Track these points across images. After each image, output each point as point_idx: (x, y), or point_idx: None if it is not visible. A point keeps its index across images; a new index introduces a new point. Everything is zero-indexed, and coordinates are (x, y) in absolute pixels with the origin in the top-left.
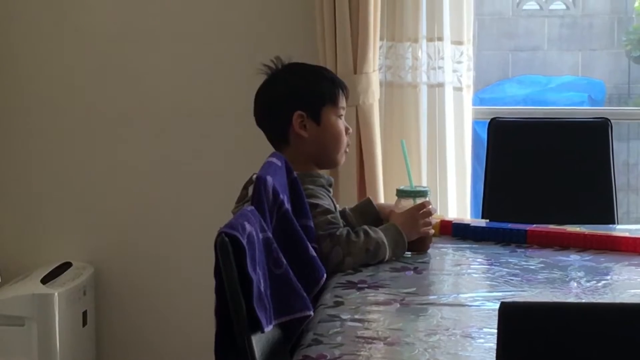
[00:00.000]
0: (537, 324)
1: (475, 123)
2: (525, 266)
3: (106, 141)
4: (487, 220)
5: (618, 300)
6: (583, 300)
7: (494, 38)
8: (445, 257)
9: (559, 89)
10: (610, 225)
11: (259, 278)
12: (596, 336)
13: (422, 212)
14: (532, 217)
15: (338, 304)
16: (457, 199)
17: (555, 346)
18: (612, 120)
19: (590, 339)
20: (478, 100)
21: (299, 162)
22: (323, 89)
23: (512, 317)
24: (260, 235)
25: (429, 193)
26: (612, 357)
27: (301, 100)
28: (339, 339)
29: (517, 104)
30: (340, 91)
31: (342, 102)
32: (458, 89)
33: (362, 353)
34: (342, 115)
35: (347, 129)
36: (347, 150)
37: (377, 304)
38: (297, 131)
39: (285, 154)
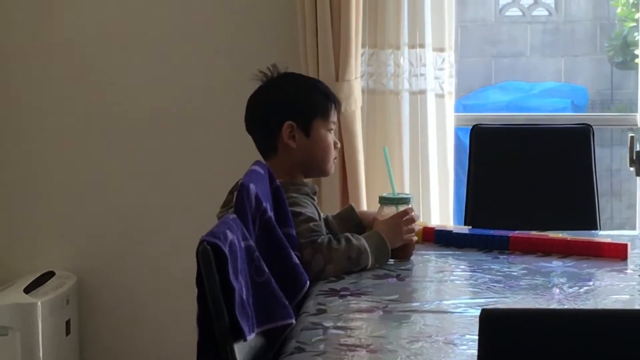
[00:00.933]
0: (517, 330)
1: (459, 130)
2: (507, 273)
3: (89, 150)
4: (470, 227)
5: (600, 306)
6: (565, 307)
7: (477, 44)
8: (428, 264)
9: (542, 95)
10: (593, 231)
11: (241, 286)
12: (577, 342)
13: (404, 219)
14: (515, 223)
15: (321, 311)
16: (439, 205)
17: (536, 352)
18: (595, 126)
19: (571, 345)
20: (461, 106)
21: (284, 170)
22: (316, 101)
23: (492, 323)
24: (242, 244)
25: (411, 200)
26: None
27: (293, 110)
28: (321, 346)
29: (500, 110)
30: (333, 106)
31: (334, 117)
32: (440, 96)
33: None
34: (332, 129)
35: (335, 144)
36: (336, 161)
37: (360, 311)
38: (286, 141)
39: (272, 162)
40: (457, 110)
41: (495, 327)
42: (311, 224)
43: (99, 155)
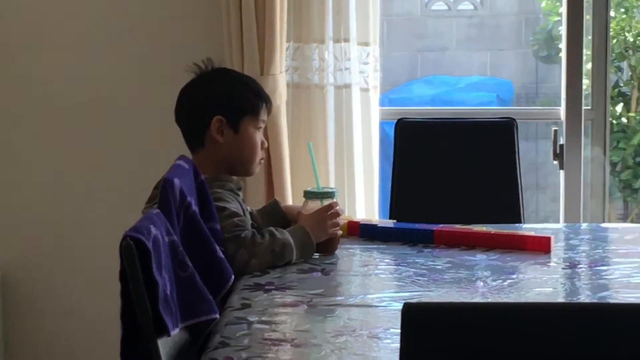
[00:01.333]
0: (440, 324)
1: (385, 123)
2: (432, 266)
3: (9, 145)
4: (395, 221)
5: (523, 299)
6: (489, 300)
7: (402, 38)
8: (353, 258)
9: (468, 88)
10: (517, 225)
11: (164, 281)
12: (501, 335)
13: (329, 213)
14: (440, 217)
15: (245, 306)
16: (365, 199)
17: (459, 346)
18: (519, 120)
19: (494, 338)
20: (387, 100)
21: (210, 165)
22: (247, 99)
23: (415, 317)
24: (166, 239)
25: (336, 194)
26: (516, 357)
27: (224, 106)
28: (246, 341)
29: (426, 104)
30: (264, 105)
31: (264, 116)
32: (365, 90)
33: (269, 355)
34: (260, 127)
35: (263, 143)
36: (262, 161)
37: (285, 305)
38: (214, 135)
39: (198, 156)
40: (382, 104)
41: (418, 321)
42: (235, 219)
43: (21, 150)
